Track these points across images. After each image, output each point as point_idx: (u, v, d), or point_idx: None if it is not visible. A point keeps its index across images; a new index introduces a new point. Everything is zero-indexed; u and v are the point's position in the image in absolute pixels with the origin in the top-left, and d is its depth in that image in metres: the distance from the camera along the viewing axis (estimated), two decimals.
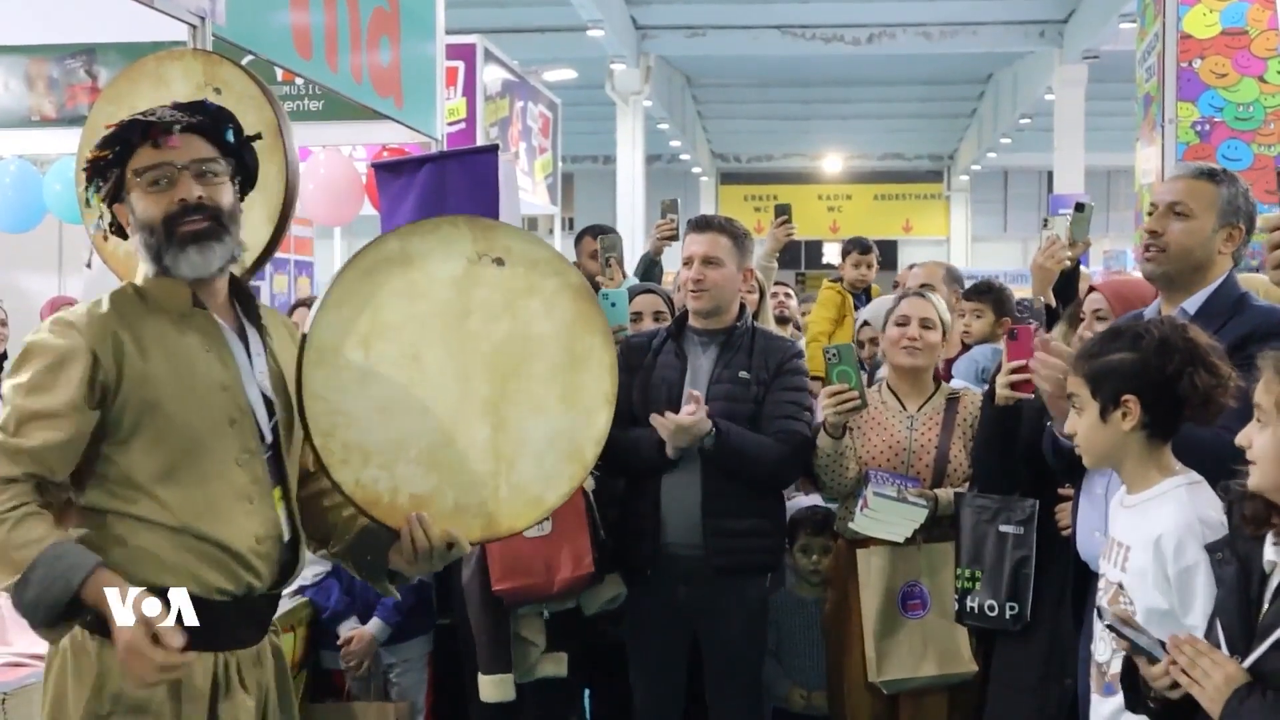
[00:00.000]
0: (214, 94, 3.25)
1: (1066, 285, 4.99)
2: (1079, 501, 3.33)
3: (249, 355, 2.51)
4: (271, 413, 2.51)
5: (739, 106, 29.62)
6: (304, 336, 2.43)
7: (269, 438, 2.49)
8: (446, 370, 2.41)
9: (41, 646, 2.60)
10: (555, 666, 3.97)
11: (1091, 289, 3.88)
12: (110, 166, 2.43)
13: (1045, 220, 4.90)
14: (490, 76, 9.68)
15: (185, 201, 2.38)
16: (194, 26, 3.61)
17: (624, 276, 5.10)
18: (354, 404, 2.42)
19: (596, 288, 5.10)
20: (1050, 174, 23.70)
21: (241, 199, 2.54)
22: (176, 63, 3.35)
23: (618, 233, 5.46)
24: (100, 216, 2.51)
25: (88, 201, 2.50)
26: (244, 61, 3.57)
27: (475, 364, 2.48)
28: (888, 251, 33.53)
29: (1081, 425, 2.72)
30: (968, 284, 5.63)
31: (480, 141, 8.46)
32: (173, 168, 2.39)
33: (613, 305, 4.52)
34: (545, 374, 2.51)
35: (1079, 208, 5.05)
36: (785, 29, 19.81)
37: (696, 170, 33.30)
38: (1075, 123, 19.83)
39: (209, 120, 2.47)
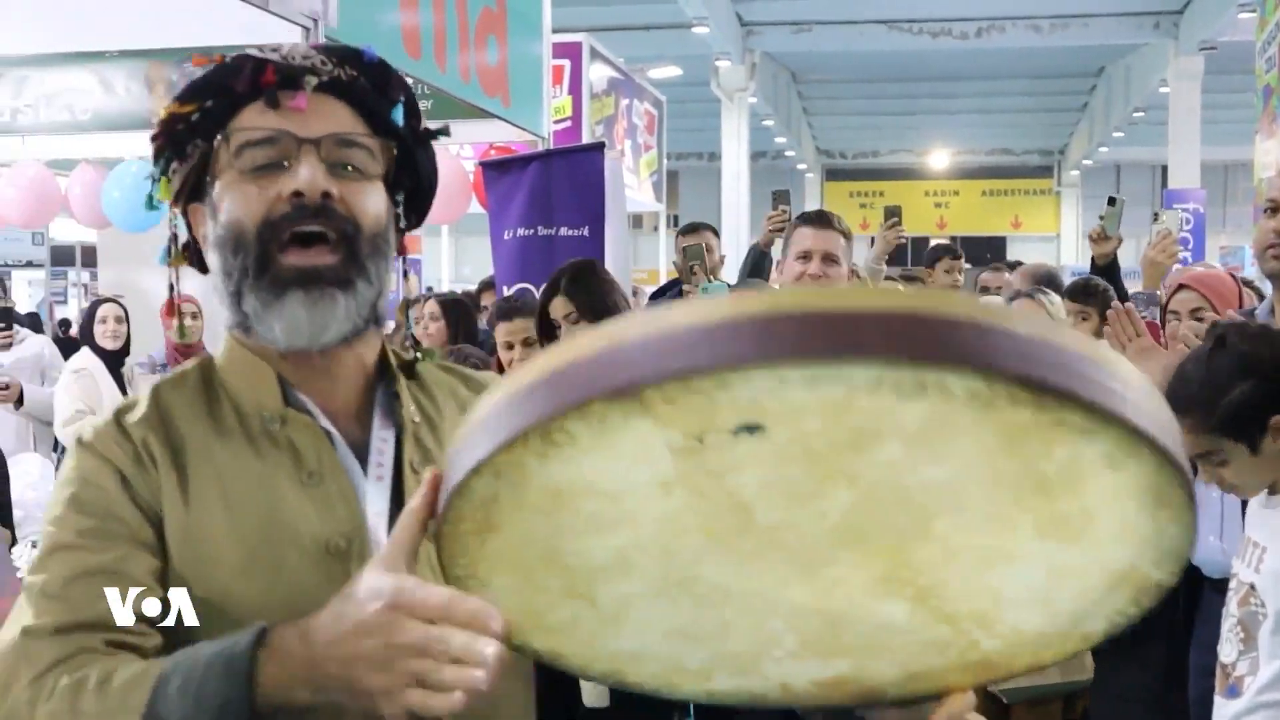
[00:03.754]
0: None
1: (1109, 279, 4.95)
2: None
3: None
4: None
5: (844, 102, 29.42)
6: None
7: None
8: (765, 571, 1.23)
9: None
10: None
11: (1181, 286, 3.79)
12: (192, 135, 1.40)
13: (1155, 214, 4.81)
14: (596, 74, 9.72)
15: (300, 197, 1.33)
16: (307, 29, 3.68)
17: (709, 280, 5.08)
18: (621, 643, 1.27)
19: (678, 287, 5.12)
20: (1165, 169, 23.22)
21: (403, 228, 1.50)
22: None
23: (700, 242, 5.41)
24: (172, 227, 1.49)
25: (150, 200, 1.48)
26: None
27: (819, 548, 1.22)
28: (996, 248, 33.19)
29: (1234, 472, 2.64)
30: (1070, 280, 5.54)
31: (586, 139, 8.50)
32: (291, 140, 1.35)
33: None
34: (981, 522, 1.28)
35: (1110, 202, 5.02)
36: (892, 24, 19.64)
37: (801, 167, 33.14)
38: (1191, 116, 19.40)
39: (367, 80, 1.43)
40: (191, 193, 1.42)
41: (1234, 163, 29.52)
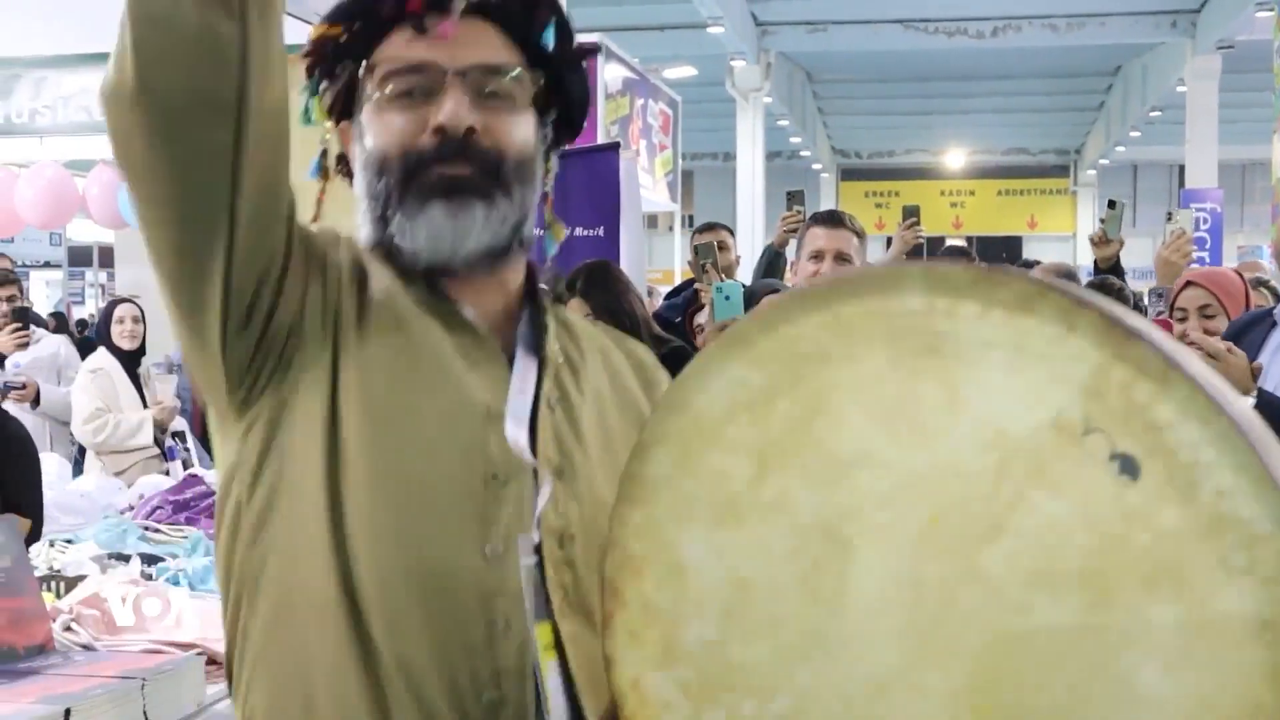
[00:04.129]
0: None
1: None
2: None
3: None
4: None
5: (860, 102, 29.40)
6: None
7: (537, 535, 1.31)
8: (886, 607, 1.04)
9: (180, 634, 2.68)
10: None
11: (1188, 283, 3.77)
12: (341, 55, 1.40)
13: (1169, 214, 4.81)
14: (611, 74, 9.72)
15: (444, 132, 1.32)
16: None
17: (722, 279, 5.08)
18: (694, 549, 1.13)
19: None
20: (1182, 168, 23.17)
21: (553, 149, 1.50)
22: (304, 63, 3.43)
23: (712, 240, 5.41)
24: (323, 143, 1.46)
25: (306, 113, 1.45)
26: None
27: (951, 646, 1.01)
28: (1012, 248, 33.14)
29: None
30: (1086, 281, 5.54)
31: (601, 139, 8.50)
32: (438, 71, 1.33)
33: (726, 299, 4.51)
34: None
35: (1111, 205, 5.04)
36: (907, 23, 19.62)
37: (817, 167, 33.12)
38: (1208, 115, 19.33)
39: (516, 4, 1.40)
40: (343, 111, 1.42)
41: (1252, 162, 29.40)
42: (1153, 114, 25.10)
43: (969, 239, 26.72)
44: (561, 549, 1.32)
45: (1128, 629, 0.93)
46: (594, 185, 5.41)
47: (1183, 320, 3.66)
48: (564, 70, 1.44)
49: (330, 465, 1.28)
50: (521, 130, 1.38)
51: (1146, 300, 5.03)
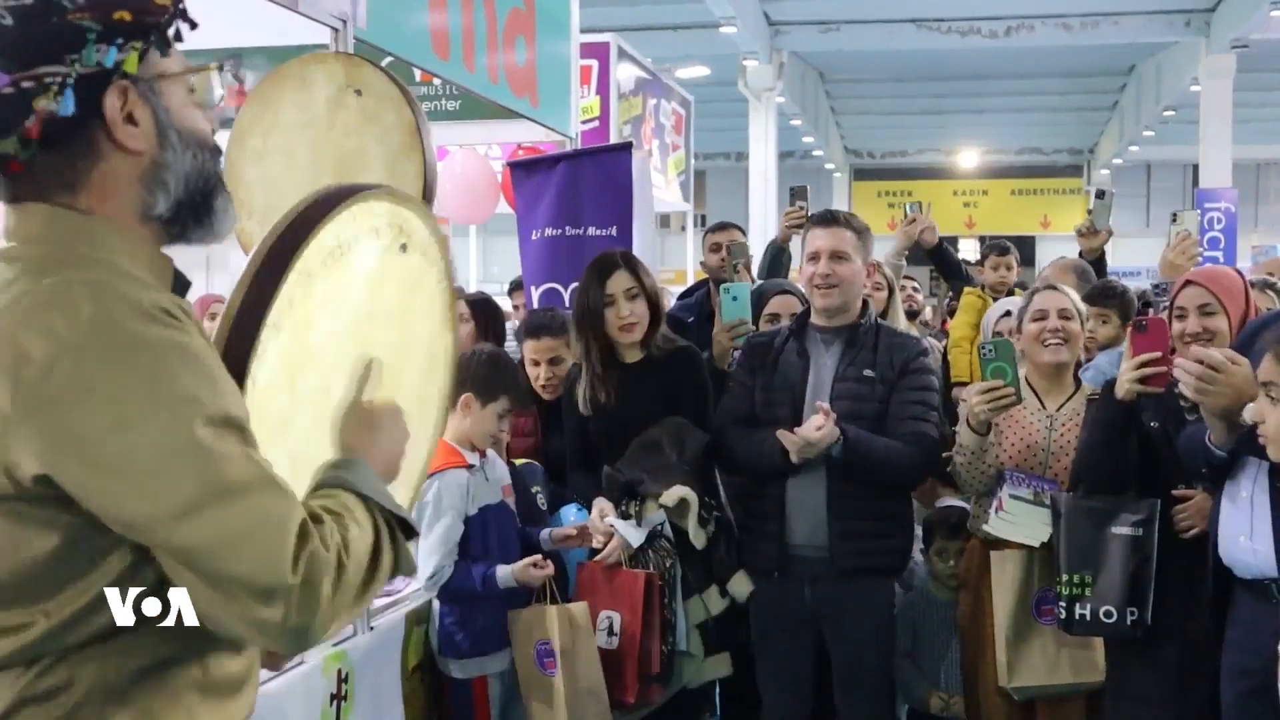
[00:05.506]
0: (355, 95, 3.33)
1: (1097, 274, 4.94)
2: (1220, 505, 3.24)
3: None
4: None
5: (873, 102, 29.34)
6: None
7: None
8: (329, 395, 1.82)
9: None
10: (723, 666, 4.03)
11: (1188, 282, 3.73)
12: (161, 24, 1.66)
13: (1174, 215, 4.74)
14: (624, 74, 9.71)
15: (215, 150, 1.68)
16: (336, 30, 3.70)
17: (753, 280, 5.09)
18: (272, 452, 1.60)
19: (719, 283, 5.13)
20: (1196, 168, 23.08)
21: None
22: (320, 65, 3.43)
23: (744, 241, 5.45)
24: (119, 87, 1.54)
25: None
26: (383, 63, 3.64)
27: (346, 371, 1.85)
28: (1025, 248, 32.91)
29: (1276, 416, 2.69)
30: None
31: (613, 139, 8.50)
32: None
33: (734, 299, 4.51)
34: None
35: (1099, 194, 5.02)
36: (920, 22, 19.58)
37: (829, 166, 33.06)
38: (1222, 114, 19.26)
39: None
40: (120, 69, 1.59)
41: (1266, 161, 29.34)
42: (1166, 113, 25.01)
43: (982, 238, 26.67)
44: None
45: (416, 324, 1.96)
46: (606, 185, 5.41)
47: (1182, 319, 3.61)
48: None
49: None
50: None
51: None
